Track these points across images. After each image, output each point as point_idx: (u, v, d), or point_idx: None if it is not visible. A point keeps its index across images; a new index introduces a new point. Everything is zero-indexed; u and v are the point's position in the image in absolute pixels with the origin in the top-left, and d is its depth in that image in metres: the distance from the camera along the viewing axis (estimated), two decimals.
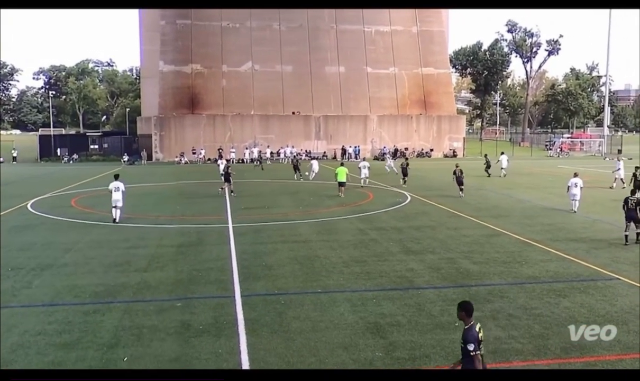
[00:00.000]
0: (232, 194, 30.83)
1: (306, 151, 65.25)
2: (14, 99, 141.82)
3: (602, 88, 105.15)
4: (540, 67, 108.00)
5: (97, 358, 9.73)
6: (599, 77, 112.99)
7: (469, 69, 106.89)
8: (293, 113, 67.78)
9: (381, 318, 11.58)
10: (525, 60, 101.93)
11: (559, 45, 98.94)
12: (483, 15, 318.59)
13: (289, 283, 14.21)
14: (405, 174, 35.85)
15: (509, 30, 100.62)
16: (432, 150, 69.61)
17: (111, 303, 12.72)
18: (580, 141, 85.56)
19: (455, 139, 71.44)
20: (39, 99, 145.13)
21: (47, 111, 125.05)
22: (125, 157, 62.26)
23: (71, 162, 64.31)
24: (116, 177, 23.73)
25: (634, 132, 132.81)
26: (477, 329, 7.09)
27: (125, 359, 9.70)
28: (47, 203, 28.97)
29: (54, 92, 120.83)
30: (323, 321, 11.43)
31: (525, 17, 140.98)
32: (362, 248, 18.01)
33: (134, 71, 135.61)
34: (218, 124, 65.58)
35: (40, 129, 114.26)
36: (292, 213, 25.28)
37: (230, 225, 22.08)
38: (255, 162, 56.03)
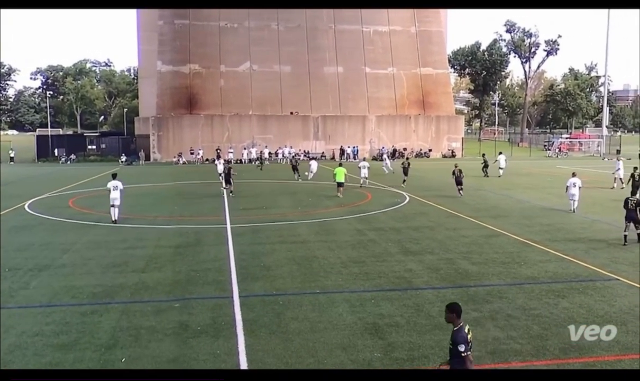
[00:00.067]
0: (231, 194, 30.81)
1: (304, 151, 65.20)
2: (11, 99, 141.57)
3: (601, 88, 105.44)
4: (538, 67, 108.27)
5: (95, 359, 9.70)
6: (598, 77, 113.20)
7: (467, 69, 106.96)
8: (291, 113, 67.73)
9: (380, 318, 11.56)
10: (524, 60, 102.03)
11: (558, 45, 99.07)
12: (482, 15, 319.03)
13: (287, 283, 14.17)
14: (405, 173, 35.88)
15: (508, 31, 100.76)
16: (430, 150, 69.61)
17: (109, 303, 12.68)
18: (579, 142, 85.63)
19: (453, 139, 71.45)
20: (37, 99, 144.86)
21: (44, 111, 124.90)
22: (123, 158, 62.13)
23: (69, 162, 64.16)
24: (114, 176, 23.78)
25: (633, 133, 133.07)
26: (466, 330, 7.16)
27: (123, 360, 9.66)
28: (45, 204, 28.90)
29: (51, 93, 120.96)
30: (321, 321, 11.40)
31: (524, 17, 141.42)
32: (360, 248, 17.98)
33: (132, 71, 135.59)
34: (216, 125, 65.51)
35: (37, 130, 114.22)
36: (290, 213, 25.25)
37: (228, 225, 22.04)
38: (255, 162, 55.98)
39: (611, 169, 37.14)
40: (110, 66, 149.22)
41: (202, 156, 62.60)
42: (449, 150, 70.18)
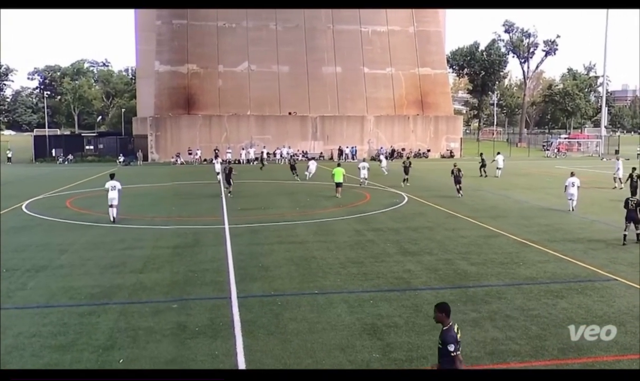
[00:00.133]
0: (229, 195, 30.76)
1: (303, 151, 65.17)
2: (8, 100, 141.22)
3: (600, 88, 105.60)
4: (537, 67, 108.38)
5: (93, 360, 9.67)
6: (596, 77, 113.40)
7: (466, 69, 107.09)
8: (289, 113, 67.69)
9: (378, 319, 11.53)
10: (523, 60, 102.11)
11: (556, 45, 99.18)
12: (480, 15, 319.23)
13: (286, 284, 14.14)
14: (407, 173, 35.92)
15: (506, 31, 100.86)
16: (429, 151, 69.61)
17: (107, 304, 12.64)
18: (578, 142, 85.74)
19: (452, 139, 71.47)
20: (34, 100, 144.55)
21: (42, 112, 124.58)
22: (121, 158, 62.05)
23: (66, 163, 64.02)
24: (112, 176, 23.77)
25: (632, 133, 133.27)
26: (455, 330, 7.16)
27: (121, 361, 9.63)
28: (43, 204, 28.84)
29: (48, 93, 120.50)
30: (320, 322, 11.37)
31: (523, 18, 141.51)
32: (359, 249, 17.96)
33: (130, 71, 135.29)
34: (214, 125, 65.45)
35: (35, 130, 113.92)
36: (288, 214, 25.21)
37: (226, 226, 22.01)
38: (254, 163, 55.88)
39: (610, 169, 37.18)
40: (108, 66, 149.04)
41: (200, 157, 62.54)
42: (447, 150, 70.16)
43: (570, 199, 24.91)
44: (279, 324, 11.28)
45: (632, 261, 16.01)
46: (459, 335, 7.16)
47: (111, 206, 22.79)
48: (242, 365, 9.51)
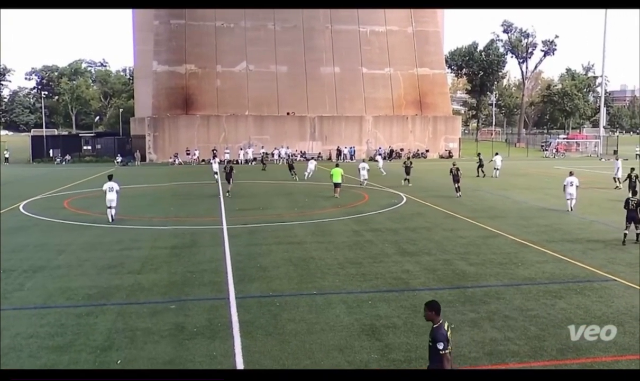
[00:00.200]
0: (227, 194, 30.71)
1: (301, 151, 65.13)
2: (5, 100, 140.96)
3: (598, 89, 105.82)
4: (536, 67, 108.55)
5: (90, 361, 9.62)
6: (595, 77, 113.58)
7: (464, 69, 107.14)
8: (288, 114, 67.65)
9: (377, 319, 11.51)
10: (521, 60, 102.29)
11: (555, 45, 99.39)
12: (479, 15, 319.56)
13: (284, 284, 14.11)
14: (407, 173, 35.93)
15: (505, 31, 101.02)
16: (427, 151, 69.63)
17: (104, 305, 12.59)
18: (576, 142, 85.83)
19: (451, 139, 71.49)
20: (31, 100, 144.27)
21: (39, 112, 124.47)
22: (119, 158, 61.99)
23: (64, 163, 63.97)
24: (110, 177, 23.70)
25: (630, 133, 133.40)
26: (445, 328, 7.12)
27: (118, 362, 9.59)
28: (40, 205, 28.78)
29: (46, 93, 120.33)
30: (318, 323, 11.34)
31: (521, 18, 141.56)
32: (357, 249, 17.93)
33: (128, 71, 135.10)
34: (212, 125, 65.41)
35: (32, 130, 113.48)
36: (287, 214, 25.18)
37: (224, 226, 21.97)
38: (252, 163, 55.82)
39: (608, 169, 37.20)
40: (105, 66, 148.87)
41: (198, 157, 62.47)
42: (446, 150, 70.19)
43: (569, 199, 24.90)
44: (277, 325, 11.25)
45: (630, 261, 16.00)
46: (449, 333, 7.13)
47: (109, 207, 22.74)
48: (240, 365, 9.48)
